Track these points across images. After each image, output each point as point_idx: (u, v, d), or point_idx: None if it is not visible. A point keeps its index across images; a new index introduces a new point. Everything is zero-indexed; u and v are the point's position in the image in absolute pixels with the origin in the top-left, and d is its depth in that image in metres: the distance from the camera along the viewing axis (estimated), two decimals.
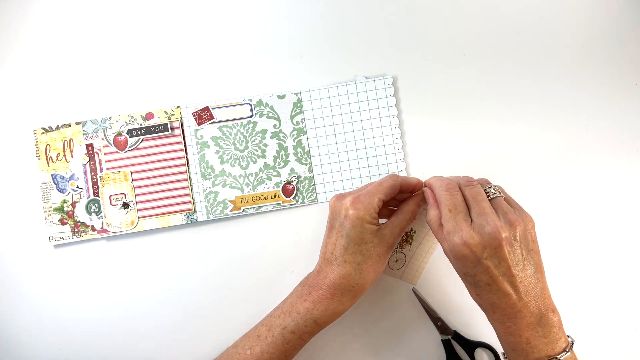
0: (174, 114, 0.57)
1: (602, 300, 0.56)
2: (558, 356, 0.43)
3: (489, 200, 0.45)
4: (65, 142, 0.56)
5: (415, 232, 0.55)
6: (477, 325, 0.56)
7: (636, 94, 0.57)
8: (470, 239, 0.43)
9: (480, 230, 0.43)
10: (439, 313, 0.56)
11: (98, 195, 0.56)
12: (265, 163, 0.57)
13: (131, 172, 0.56)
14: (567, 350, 0.44)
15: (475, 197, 0.45)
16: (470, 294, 0.46)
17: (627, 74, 0.57)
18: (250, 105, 0.57)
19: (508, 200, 0.47)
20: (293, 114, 0.57)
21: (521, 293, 0.43)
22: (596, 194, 0.56)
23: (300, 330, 0.48)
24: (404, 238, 0.56)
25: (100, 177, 0.56)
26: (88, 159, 0.56)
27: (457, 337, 0.56)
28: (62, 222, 0.56)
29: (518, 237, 0.43)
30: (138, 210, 0.56)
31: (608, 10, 0.57)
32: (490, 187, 0.47)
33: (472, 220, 0.44)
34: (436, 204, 0.47)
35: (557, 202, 0.56)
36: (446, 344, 0.56)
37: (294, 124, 0.57)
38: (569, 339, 0.45)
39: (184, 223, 0.56)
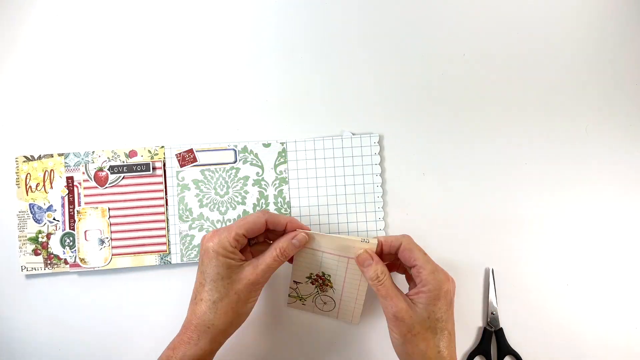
0: (157, 154, 0.57)
1: (602, 300, 0.56)
2: None
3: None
4: (46, 172, 0.56)
5: (329, 275, 0.53)
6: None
7: (636, 94, 0.57)
8: (450, 276, 0.47)
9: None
10: (498, 305, 0.55)
11: (74, 229, 0.56)
12: (244, 210, 0.57)
13: (109, 209, 0.56)
14: None
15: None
16: (427, 355, 0.45)
17: (627, 74, 0.57)
18: (235, 150, 0.57)
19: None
20: (277, 163, 0.57)
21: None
22: (596, 194, 0.56)
23: None
24: (321, 282, 0.54)
25: (77, 210, 0.56)
26: (67, 191, 0.56)
27: (499, 334, 0.55)
28: (36, 253, 0.56)
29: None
30: (112, 247, 0.56)
31: (608, 11, 0.57)
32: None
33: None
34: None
35: (557, 202, 0.56)
36: (486, 335, 0.55)
37: (277, 173, 0.57)
38: None
39: (157, 264, 0.56)
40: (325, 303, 0.55)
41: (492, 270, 0.56)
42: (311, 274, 0.53)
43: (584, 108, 0.57)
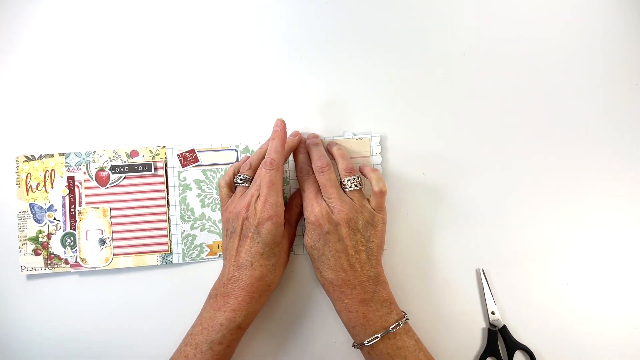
0: (159, 154, 0.57)
1: (602, 300, 0.56)
2: (391, 328, 0.49)
3: (344, 190, 0.51)
4: (47, 172, 0.56)
5: None
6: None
7: (636, 94, 0.57)
8: (319, 210, 0.50)
9: (327, 207, 0.50)
10: (497, 303, 0.56)
11: (74, 229, 0.55)
12: None
13: (110, 209, 0.56)
14: (400, 322, 0.49)
15: (325, 183, 0.51)
16: (315, 273, 0.52)
17: (627, 74, 0.57)
18: (237, 151, 0.57)
19: (375, 195, 0.52)
20: None
21: (357, 272, 0.49)
22: (596, 193, 0.57)
23: (227, 340, 0.49)
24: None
25: (78, 210, 0.56)
26: (68, 191, 0.56)
27: (504, 332, 0.55)
28: (36, 253, 0.55)
29: (360, 225, 0.50)
30: (114, 247, 0.56)
31: (608, 11, 0.58)
32: (349, 180, 0.52)
33: (323, 200, 0.51)
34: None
35: (557, 202, 0.57)
36: (491, 336, 0.55)
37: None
38: (403, 313, 0.51)
39: (159, 264, 0.56)
40: None
41: (483, 270, 0.56)
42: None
43: (584, 108, 0.57)
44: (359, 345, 0.50)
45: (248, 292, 0.49)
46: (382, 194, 0.52)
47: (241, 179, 0.52)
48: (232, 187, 0.54)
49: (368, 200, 0.52)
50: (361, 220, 0.50)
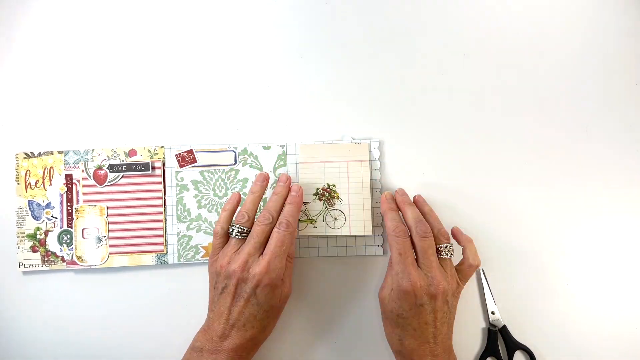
0: (157, 154, 0.57)
1: (602, 300, 0.56)
2: None
3: (438, 258, 0.49)
4: (46, 169, 0.56)
5: (334, 185, 0.55)
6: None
7: (636, 94, 0.57)
8: (417, 280, 0.47)
9: (426, 278, 0.48)
10: (497, 303, 0.55)
11: (71, 227, 0.56)
12: None
13: (107, 207, 0.56)
14: None
15: (426, 250, 0.49)
16: (391, 340, 0.50)
17: (627, 74, 0.57)
18: (235, 152, 0.57)
19: (468, 267, 0.51)
20: (276, 165, 0.57)
21: (437, 345, 0.48)
22: (596, 193, 0.56)
23: None
24: (328, 196, 0.55)
25: (75, 208, 0.56)
26: (66, 189, 0.56)
27: (504, 331, 0.55)
28: (34, 250, 0.56)
29: (449, 296, 0.49)
30: (109, 246, 0.56)
31: (608, 11, 0.57)
32: (445, 247, 0.50)
33: (419, 267, 0.49)
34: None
35: (557, 202, 0.56)
36: (491, 336, 0.55)
37: (276, 176, 0.57)
38: None
39: (154, 264, 0.56)
40: (335, 219, 0.55)
41: (483, 270, 0.56)
42: (317, 189, 0.55)
43: (584, 108, 0.57)
44: None
45: (237, 352, 0.47)
46: (476, 268, 0.51)
47: (239, 231, 0.49)
48: (227, 235, 0.51)
49: (456, 269, 0.51)
50: (450, 292, 0.49)
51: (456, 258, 0.52)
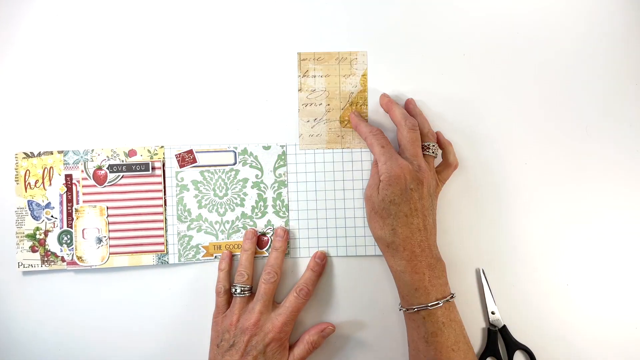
0: (157, 154, 0.56)
1: (602, 300, 0.56)
2: (448, 298, 0.49)
3: (423, 155, 0.52)
4: (45, 169, 0.56)
5: None
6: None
7: (636, 94, 0.57)
8: (406, 164, 0.49)
9: (412, 164, 0.50)
10: (497, 303, 0.55)
11: (71, 227, 0.56)
12: (242, 212, 0.56)
13: (107, 208, 0.56)
14: (454, 295, 0.50)
15: (414, 141, 0.51)
16: (383, 233, 0.49)
17: (627, 74, 0.57)
18: (235, 152, 0.57)
19: (448, 167, 0.54)
20: (276, 166, 0.57)
21: (428, 235, 0.49)
22: (596, 193, 0.57)
23: None
24: None
25: (75, 209, 0.56)
26: (66, 189, 0.56)
27: (504, 331, 0.55)
28: (33, 250, 0.56)
29: (431, 190, 0.51)
30: (110, 246, 0.56)
31: (608, 11, 0.57)
32: (433, 145, 0.53)
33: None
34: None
35: (557, 201, 0.57)
36: (491, 336, 0.55)
37: (276, 176, 0.57)
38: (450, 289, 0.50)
39: (155, 264, 0.56)
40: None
41: (483, 270, 0.56)
42: None
43: (584, 107, 0.57)
44: (417, 308, 0.48)
45: None
46: (455, 167, 0.54)
47: (242, 290, 0.53)
48: (229, 293, 0.54)
49: (436, 170, 0.53)
50: (432, 186, 0.51)
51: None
